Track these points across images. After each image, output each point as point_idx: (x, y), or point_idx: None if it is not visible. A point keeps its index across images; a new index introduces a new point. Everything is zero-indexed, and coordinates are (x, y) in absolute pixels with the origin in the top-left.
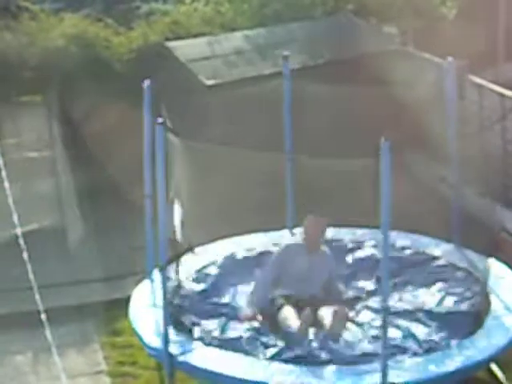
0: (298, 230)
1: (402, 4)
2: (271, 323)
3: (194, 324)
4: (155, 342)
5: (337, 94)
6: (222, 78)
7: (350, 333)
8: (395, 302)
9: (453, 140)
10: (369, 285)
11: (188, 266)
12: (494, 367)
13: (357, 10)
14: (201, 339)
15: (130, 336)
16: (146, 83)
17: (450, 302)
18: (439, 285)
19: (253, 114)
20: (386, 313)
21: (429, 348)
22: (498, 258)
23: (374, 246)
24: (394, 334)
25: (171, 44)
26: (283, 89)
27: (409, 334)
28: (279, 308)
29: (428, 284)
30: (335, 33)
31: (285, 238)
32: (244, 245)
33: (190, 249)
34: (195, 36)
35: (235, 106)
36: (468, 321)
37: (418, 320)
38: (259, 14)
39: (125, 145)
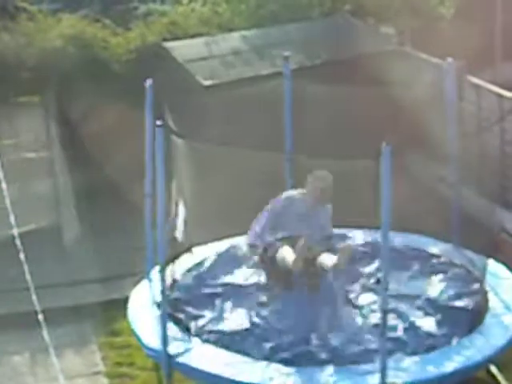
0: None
1: (400, 4)
2: (270, 268)
3: (190, 319)
4: (154, 342)
5: (334, 94)
6: (219, 79)
7: (350, 320)
8: (396, 288)
9: (453, 141)
10: (368, 268)
11: (184, 265)
12: (492, 367)
13: (354, 10)
14: (198, 336)
15: (128, 336)
16: (148, 83)
17: (449, 296)
18: (438, 281)
19: (250, 115)
20: (385, 315)
21: (430, 345)
22: (497, 259)
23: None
24: (394, 322)
25: (169, 44)
26: (282, 89)
27: (410, 327)
28: (277, 251)
29: (427, 279)
30: (332, 33)
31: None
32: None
33: (189, 249)
34: (193, 36)
35: (233, 107)
36: (467, 317)
37: (419, 308)
38: (256, 14)
39: (123, 145)
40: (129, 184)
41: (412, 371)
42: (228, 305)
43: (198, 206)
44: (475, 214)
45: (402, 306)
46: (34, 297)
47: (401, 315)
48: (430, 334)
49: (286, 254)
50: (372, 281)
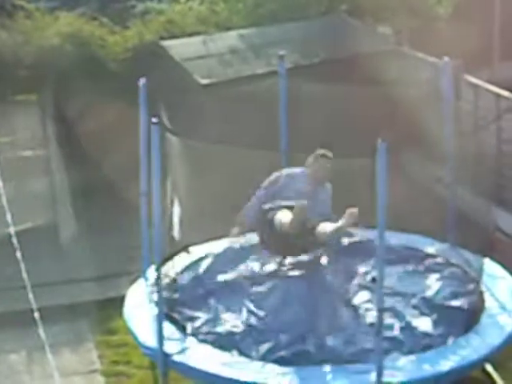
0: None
1: (397, 4)
2: (268, 231)
3: (186, 319)
4: (150, 340)
5: (331, 93)
6: (216, 77)
7: (346, 319)
8: (392, 287)
9: (449, 140)
10: (364, 267)
11: (181, 264)
12: (488, 366)
13: (351, 10)
14: (194, 335)
15: (124, 335)
16: (142, 81)
17: (445, 296)
18: (434, 280)
19: (248, 113)
20: (380, 314)
21: (426, 344)
22: (493, 258)
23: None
24: (390, 321)
25: (166, 43)
26: (278, 88)
27: (406, 326)
28: (275, 214)
29: (423, 278)
30: (330, 33)
31: None
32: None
33: (185, 248)
34: (190, 35)
35: (230, 105)
36: (464, 316)
37: (415, 307)
38: (254, 13)
39: (119, 144)
40: (125, 182)
41: (408, 370)
42: (224, 304)
43: (192, 204)
44: (471, 213)
45: (398, 305)
46: (30, 295)
47: (397, 314)
48: (426, 334)
49: (284, 216)
50: (368, 279)
